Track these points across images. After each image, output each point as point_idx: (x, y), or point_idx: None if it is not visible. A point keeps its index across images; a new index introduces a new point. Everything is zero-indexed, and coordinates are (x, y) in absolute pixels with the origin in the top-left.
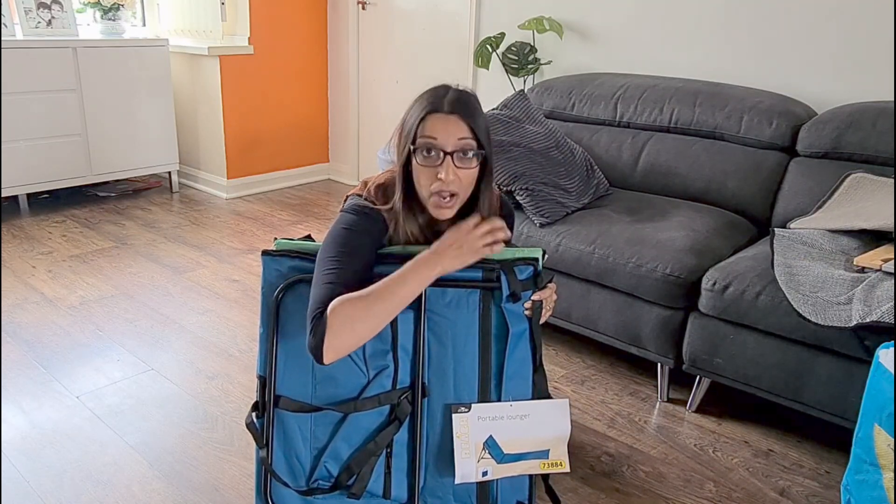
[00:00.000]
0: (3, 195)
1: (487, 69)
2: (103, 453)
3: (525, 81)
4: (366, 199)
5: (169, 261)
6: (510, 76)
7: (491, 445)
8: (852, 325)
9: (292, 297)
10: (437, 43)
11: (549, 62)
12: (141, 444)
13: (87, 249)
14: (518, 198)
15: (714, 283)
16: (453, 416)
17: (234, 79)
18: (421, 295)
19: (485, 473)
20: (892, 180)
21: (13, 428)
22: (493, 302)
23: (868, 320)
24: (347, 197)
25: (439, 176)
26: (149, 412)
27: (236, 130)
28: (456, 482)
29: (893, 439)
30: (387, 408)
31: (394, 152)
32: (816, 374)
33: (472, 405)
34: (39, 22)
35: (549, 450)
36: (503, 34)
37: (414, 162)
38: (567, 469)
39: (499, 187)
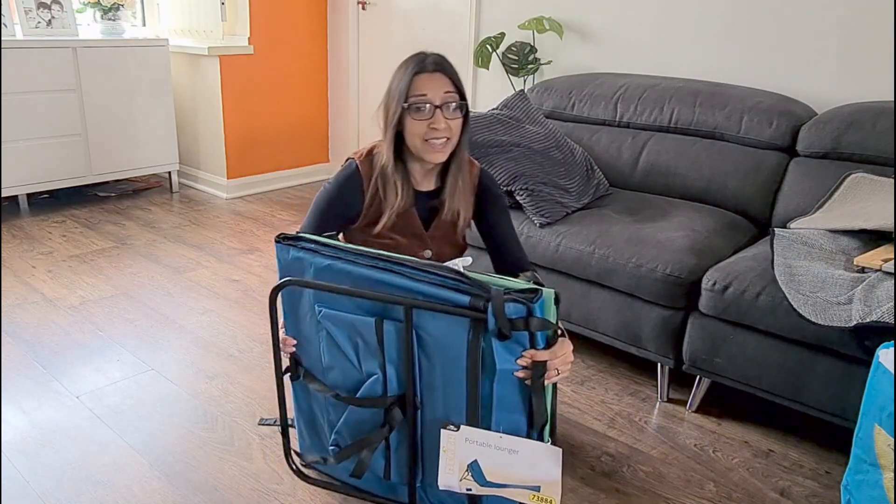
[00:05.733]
0: (3, 195)
1: (487, 69)
2: (103, 453)
3: (525, 81)
4: (356, 161)
5: (169, 261)
6: (510, 76)
7: (474, 469)
8: (852, 325)
9: (289, 291)
10: (437, 43)
11: (549, 62)
12: (141, 444)
13: (87, 249)
14: (518, 198)
15: (714, 283)
16: (442, 431)
17: (234, 79)
18: (409, 316)
19: (469, 490)
20: (892, 180)
21: (13, 428)
22: (479, 329)
23: (868, 320)
24: (348, 158)
25: (432, 126)
26: (149, 412)
27: (236, 130)
28: (439, 487)
29: (893, 439)
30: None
31: (380, 117)
32: (816, 374)
33: (462, 426)
34: (39, 22)
35: (539, 486)
36: (503, 34)
37: (407, 119)
38: None
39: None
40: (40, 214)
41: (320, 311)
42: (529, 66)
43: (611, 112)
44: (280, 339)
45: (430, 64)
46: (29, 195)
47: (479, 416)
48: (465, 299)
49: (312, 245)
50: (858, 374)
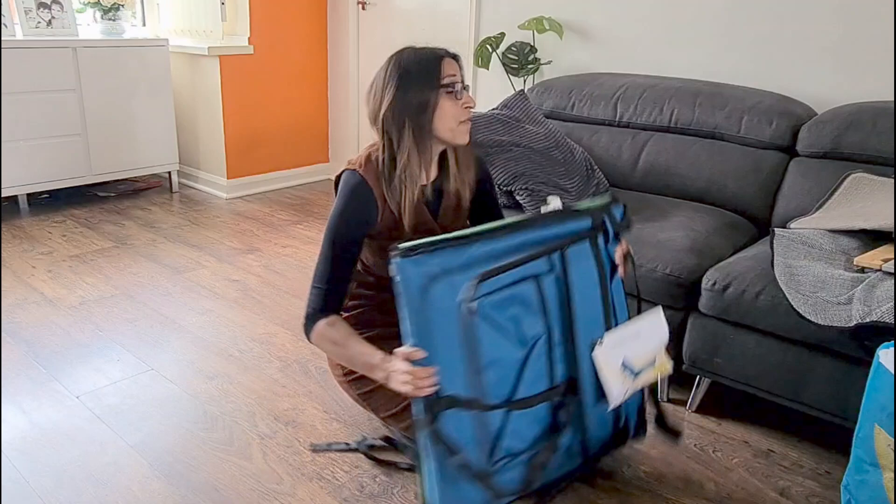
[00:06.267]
0: (3, 195)
1: (487, 69)
2: (103, 453)
3: (525, 81)
4: (363, 171)
5: (169, 261)
6: (510, 76)
7: (626, 366)
8: (852, 325)
9: (439, 293)
10: (437, 43)
11: (549, 62)
12: (141, 444)
13: (87, 249)
14: (518, 198)
15: (714, 283)
16: (595, 350)
17: (234, 79)
18: (564, 260)
19: (626, 391)
20: (892, 180)
21: (13, 428)
22: (597, 245)
23: (868, 320)
24: (344, 169)
25: (466, 104)
26: (149, 412)
27: (236, 130)
28: (611, 407)
29: (893, 439)
30: (548, 383)
31: (396, 115)
32: (816, 374)
33: (604, 336)
34: (39, 22)
35: (655, 358)
36: (503, 34)
37: (441, 102)
38: (670, 368)
39: (499, 186)
40: (40, 214)
41: (478, 305)
42: (529, 66)
43: (611, 112)
44: (415, 377)
45: (444, 50)
46: (29, 195)
47: (611, 319)
48: (588, 221)
49: (436, 245)
50: (858, 374)
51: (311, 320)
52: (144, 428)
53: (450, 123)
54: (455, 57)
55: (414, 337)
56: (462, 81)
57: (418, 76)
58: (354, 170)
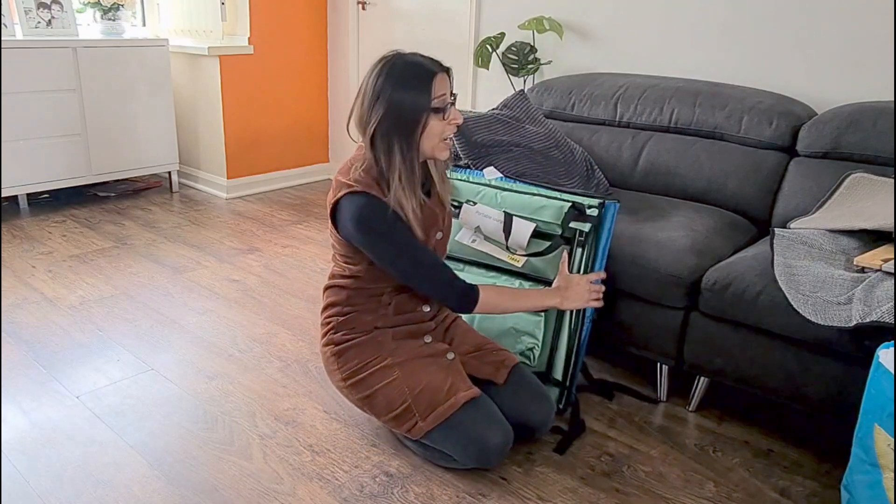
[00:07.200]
0: (3, 195)
1: (487, 69)
2: (103, 453)
3: (525, 81)
4: (362, 187)
5: (169, 261)
6: (510, 76)
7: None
8: (852, 325)
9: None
10: (437, 43)
11: (549, 62)
12: (141, 444)
13: (87, 249)
14: None
15: (714, 283)
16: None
17: (234, 79)
18: None
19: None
20: (892, 180)
21: (13, 428)
22: None
23: (868, 320)
24: (344, 193)
25: (454, 121)
26: (149, 412)
27: (236, 130)
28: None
29: (893, 439)
30: None
31: (394, 127)
32: (816, 374)
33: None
34: (39, 22)
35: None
36: (503, 34)
37: (429, 121)
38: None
39: None
40: (40, 214)
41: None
42: (529, 66)
43: (611, 112)
44: (599, 291)
45: (437, 65)
46: (29, 195)
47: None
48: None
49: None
50: (858, 374)
51: (467, 293)
52: (144, 428)
53: (434, 141)
54: (447, 71)
55: (600, 264)
56: (451, 94)
57: (409, 95)
58: (362, 192)
